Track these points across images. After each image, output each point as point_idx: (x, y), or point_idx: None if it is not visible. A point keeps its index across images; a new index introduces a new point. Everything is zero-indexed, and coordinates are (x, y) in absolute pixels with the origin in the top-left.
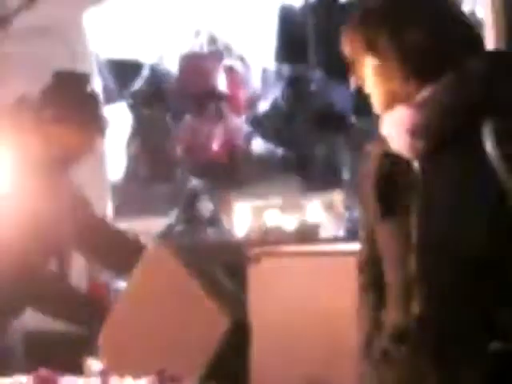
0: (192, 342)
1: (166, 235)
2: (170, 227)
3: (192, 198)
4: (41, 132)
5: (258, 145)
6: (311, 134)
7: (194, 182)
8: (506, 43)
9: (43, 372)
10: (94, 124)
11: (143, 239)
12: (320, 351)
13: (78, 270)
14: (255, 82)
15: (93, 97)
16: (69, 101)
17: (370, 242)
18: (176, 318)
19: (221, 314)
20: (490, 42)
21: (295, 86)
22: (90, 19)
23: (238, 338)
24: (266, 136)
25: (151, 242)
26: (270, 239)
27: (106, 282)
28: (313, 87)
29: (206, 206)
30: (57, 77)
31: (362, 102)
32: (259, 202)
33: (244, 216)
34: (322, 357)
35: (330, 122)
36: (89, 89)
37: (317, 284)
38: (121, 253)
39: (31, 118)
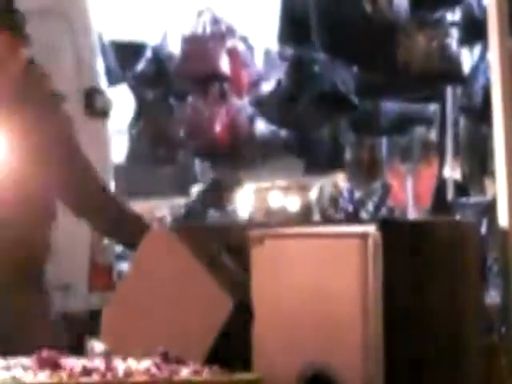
0: (195, 324)
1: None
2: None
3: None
4: None
5: (261, 126)
6: (314, 115)
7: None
8: (509, 30)
9: (45, 353)
10: (10, 33)
11: (147, 220)
12: (322, 333)
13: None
14: (258, 63)
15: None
16: None
17: None
18: (179, 299)
19: (224, 296)
20: (494, 29)
21: (298, 67)
22: (94, 1)
23: (241, 320)
24: (269, 117)
25: (154, 223)
26: (273, 220)
27: (109, 263)
28: (315, 68)
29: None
30: None
31: (364, 83)
32: (263, 184)
33: (247, 197)
34: (324, 338)
35: (332, 103)
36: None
37: (320, 266)
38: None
39: None
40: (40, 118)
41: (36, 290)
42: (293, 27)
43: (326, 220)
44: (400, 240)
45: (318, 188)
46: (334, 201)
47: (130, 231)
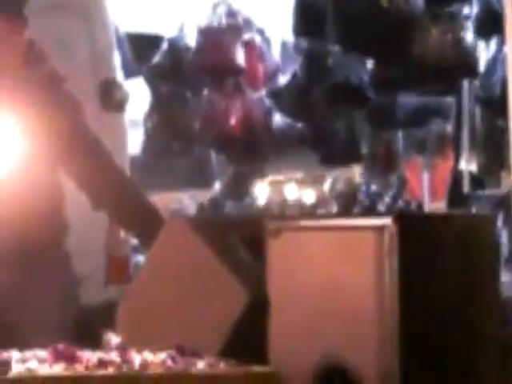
0: (211, 316)
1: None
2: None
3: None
4: None
5: (277, 119)
6: (328, 108)
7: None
8: None
9: (61, 346)
10: (11, 16)
11: (163, 213)
12: (339, 325)
13: (98, 245)
14: (275, 56)
15: None
16: None
17: None
18: (195, 291)
19: (240, 288)
20: (511, 22)
21: (312, 60)
22: None
23: (257, 313)
24: (284, 110)
25: (170, 216)
26: (289, 213)
27: (125, 256)
28: (330, 61)
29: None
30: None
31: (379, 76)
32: (279, 177)
33: (263, 190)
34: (340, 331)
35: (347, 96)
36: None
37: (336, 258)
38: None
39: None
40: (42, 100)
41: (47, 271)
42: (307, 20)
43: (342, 213)
44: (416, 232)
45: (331, 180)
46: (349, 194)
47: (147, 225)
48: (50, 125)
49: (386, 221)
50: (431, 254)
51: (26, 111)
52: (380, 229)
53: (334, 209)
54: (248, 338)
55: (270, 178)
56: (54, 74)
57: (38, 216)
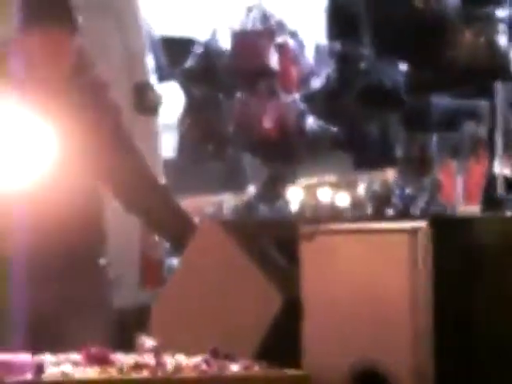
0: (245, 319)
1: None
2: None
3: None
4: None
5: (311, 122)
6: (363, 111)
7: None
8: None
9: (94, 349)
10: (65, 27)
11: (195, 216)
12: (373, 329)
13: (131, 248)
14: (308, 59)
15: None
16: (32, 16)
17: None
18: (229, 295)
19: (274, 292)
20: None
21: (346, 63)
22: None
23: (290, 316)
24: (318, 113)
25: (203, 219)
26: (323, 216)
27: (159, 259)
28: (364, 64)
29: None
30: None
31: (413, 79)
32: (312, 180)
33: (297, 193)
34: (374, 336)
35: (381, 99)
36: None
37: (370, 261)
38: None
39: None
40: (85, 107)
41: (90, 281)
42: (340, 23)
43: (376, 216)
44: (450, 236)
45: (365, 184)
46: (383, 197)
47: (178, 229)
48: (92, 130)
49: (421, 224)
50: (465, 257)
51: (70, 117)
52: (414, 232)
53: (368, 212)
54: (281, 340)
55: (304, 181)
56: (98, 81)
57: (82, 226)
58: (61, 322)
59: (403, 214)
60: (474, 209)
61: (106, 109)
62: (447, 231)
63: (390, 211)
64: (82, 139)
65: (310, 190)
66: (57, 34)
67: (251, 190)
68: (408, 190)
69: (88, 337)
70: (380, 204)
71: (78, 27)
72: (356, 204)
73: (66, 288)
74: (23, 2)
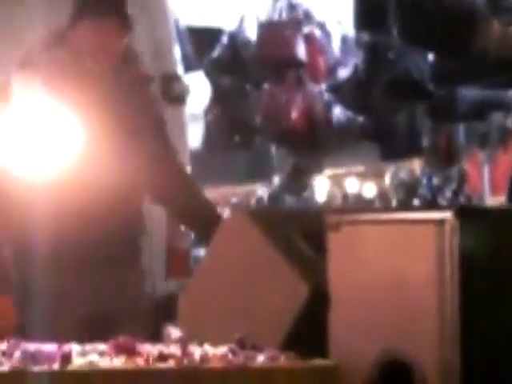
0: (271, 310)
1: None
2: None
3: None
4: (74, 53)
5: (338, 112)
6: (390, 101)
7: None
8: None
9: (122, 339)
10: (118, 20)
11: (222, 206)
12: (399, 319)
13: (158, 238)
14: (335, 49)
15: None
16: (87, 6)
17: None
18: (255, 285)
19: (300, 282)
20: None
21: (373, 53)
22: None
23: (317, 306)
24: (345, 103)
25: (230, 210)
26: (349, 206)
27: (186, 249)
28: (390, 55)
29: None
30: None
31: (441, 70)
32: (339, 170)
33: (324, 184)
34: (401, 325)
35: (408, 90)
36: None
37: (396, 252)
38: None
39: (63, 49)
40: (130, 100)
41: (131, 267)
42: (368, 13)
43: (402, 206)
44: (477, 226)
45: (392, 174)
46: (410, 187)
47: (204, 220)
48: (131, 120)
49: (447, 214)
50: (492, 248)
51: (113, 106)
52: (441, 222)
53: (394, 202)
54: (308, 331)
55: (331, 171)
56: (143, 74)
57: (120, 218)
58: (108, 309)
59: (430, 204)
60: (500, 199)
61: (149, 102)
62: (474, 222)
63: (417, 201)
64: (121, 127)
65: (337, 180)
66: (111, 26)
67: (277, 180)
68: (435, 181)
69: (130, 322)
70: (407, 194)
71: (131, 21)
72: (383, 194)
73: (105, 276)
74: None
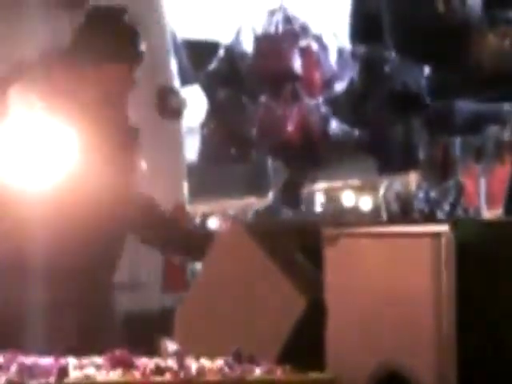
0: (268, 323)
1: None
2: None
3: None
4: (77, 79)
5: (334, 126)
6: (387, 114)
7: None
8: None
9: (119, 353)
10: (132, 57)
11: (219, 220)
12: (396, 332)
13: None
14: (332, 62)
15: (129, 28)
16: (103, 37)
17: None
18: (252, 297)
19: (297, 294)
20: None
21: (369, 66)
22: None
23: (314, 319)
24: (341, 117)
25: (226, 222)
26: (346, 220)
27: (182, 262)
28: (387, 68)
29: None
30: (88, 16)
31: (437, 83)
32: (335, 183)
33: (320, 197)
34: (398, 340)
35: (404, 103)
36: (124, 21)
37: (393, 265)
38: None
39: (64, 67)
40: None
41: (103, 289)
42: (364, 26)
43: (399, 219)
44: (473, 239)
45: (388, 187)
46: (406, 200)
47: (195, 251)
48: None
49: (443, 228)
50: (489, 262)
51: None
52: (437, 236)
53: (391, 215)
54: (305, 343)
55: (327, 185)
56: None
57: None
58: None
59: (428, 218)
60: (496, 212)
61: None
62: (470, 235)
63: (414, 215)
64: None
65: (334, 193)
66: (127, 70)
67: (273, 193)
68: (433, 194)
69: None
70: (403, 207)
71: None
72: (379, 207)
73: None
74: (96, 31)
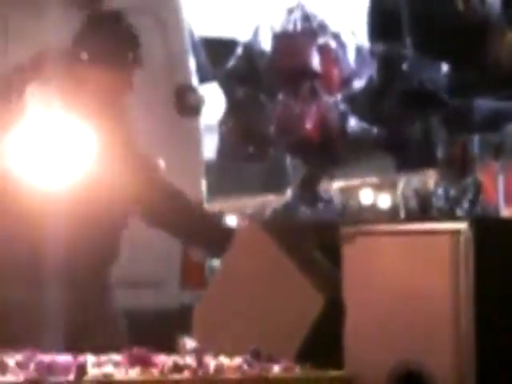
0: (286, 320)
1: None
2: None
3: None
4: (76, 79)
5: (353, 123)
6: (405, 113)
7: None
8: None
9: (137, 350)
10: (132, 60)
11: (237, 217)
12: (414, 330)
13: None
14: (350, 60)
15: (128, 32)
16: (103, 40)
17: None
18: (270, 295)
19: (315, 293)
20: None
21: (387, 64)
22: None
23: (332, 317)
24: (360, 115)
25: (245, 220)
26: (364, 217)
27: (201, 260)
28: (405, 66)
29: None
30: (88, 19)
31: (455, 81)
32: (354, 181)
33: (339, 195)
34: (416, 336)
35: (423, 101)
36: (123, 25)
37: (411, 263)
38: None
39: (61, 67)
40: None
41: (98, 287)
42: (382, 24)
43: (417, 217)
44: (492, 237)
45: (403, 185)
46: (425, 198)
47: (212, 241)
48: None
49: (462, 225)
50: (507, 259)
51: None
52: (456, 233)
53: (409, 213)
54: (323, 341)
55: (345, 183)
56: None
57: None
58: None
59: (447, 216)
60: None
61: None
62: (489, 233)
63: (433, 212)
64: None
65: (352, 191)
66: (131, 70)
67: (289, 191)
68: (452, 192)
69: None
70: (422, 205)
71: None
72: (397, 205)
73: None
74: (97, 34)
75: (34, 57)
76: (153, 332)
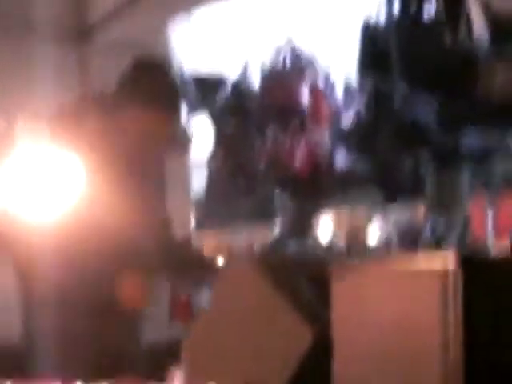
0: (275, 355)
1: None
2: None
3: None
4: (116, 131)
5: (341, 157)
6: (394, 147)
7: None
8: None
9: (126, 379)
10: (174, 116)
11: (226, 253)
12: (403, 368)
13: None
14: (338, 95)
15: (172, 87)
16: (150, 90)
17: None
18: (259, 330)
19: (303, 328)
20: None
21: (377, 99)
22: (175, 33)
23: (320, 352)
24: (348, 149)
25: (233, 255)
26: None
27: (188, 293)
28: (395, 101)
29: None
30: (134, 68)
31: (446, 115)
32: (343, 215)
33: (327, 229)
34: (405, 373)
35: (412, 135)
36: (169, 79)
37: (400, 301)
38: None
39: (101, 117)
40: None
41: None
42: (372, 59)
43: (406, 252)
44: (480, 276)
45: (395, 219)
46: (414, 232)
47: (195, 274)
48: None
49: (451, 265)
50: (496, 299)
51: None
52: (445, 273)
53: (398, 246)
54: (311, 377)
55: (334, 216)
56: None
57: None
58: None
59: (435, 251)
60: (504, 244)
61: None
62: (478, 272)
63: (421, 247)
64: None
65: (341, 225)
66: (164, 123)
67: (279, 225)
68: (439, 226)
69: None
70: (410, 239)
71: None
72: (387, 240)
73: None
74: (144, 83)
75: (74, 102)
76: (142, 363)
